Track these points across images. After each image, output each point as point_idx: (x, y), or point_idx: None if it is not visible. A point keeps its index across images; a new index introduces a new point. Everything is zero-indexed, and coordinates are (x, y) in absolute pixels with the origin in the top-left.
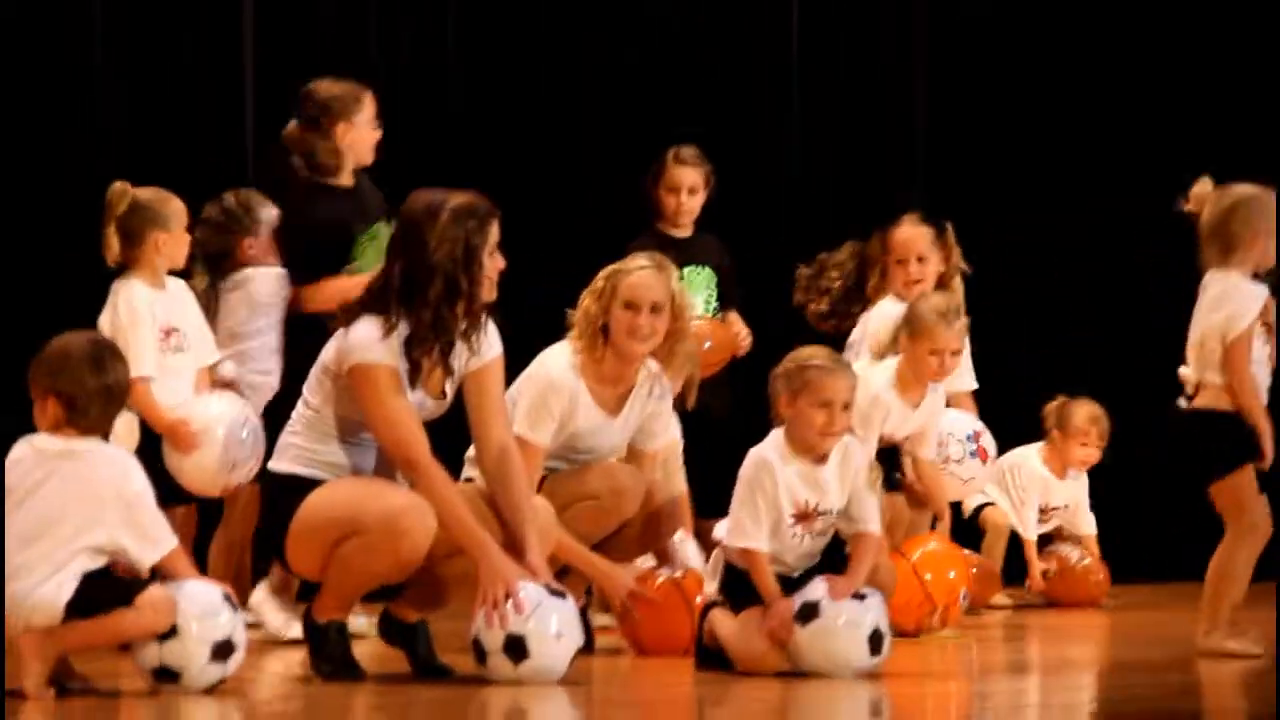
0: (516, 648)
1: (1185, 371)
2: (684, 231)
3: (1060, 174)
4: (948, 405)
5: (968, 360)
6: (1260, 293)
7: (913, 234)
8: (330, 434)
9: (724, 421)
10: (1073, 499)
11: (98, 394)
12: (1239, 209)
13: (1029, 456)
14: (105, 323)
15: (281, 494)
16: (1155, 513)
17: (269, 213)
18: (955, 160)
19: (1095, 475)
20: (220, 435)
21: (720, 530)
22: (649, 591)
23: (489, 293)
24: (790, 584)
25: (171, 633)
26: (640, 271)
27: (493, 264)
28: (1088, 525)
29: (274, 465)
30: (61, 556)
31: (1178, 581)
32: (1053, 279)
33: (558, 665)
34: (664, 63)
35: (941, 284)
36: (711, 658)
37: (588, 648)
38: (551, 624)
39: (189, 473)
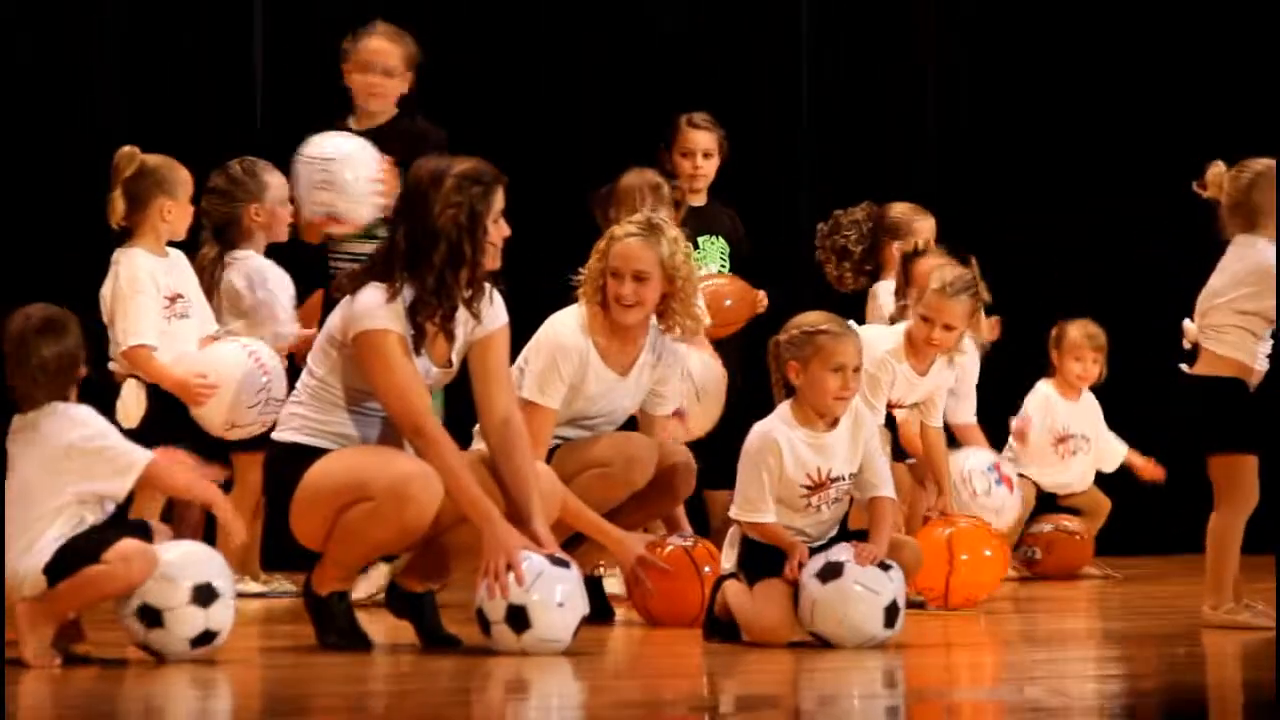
0: (518, 618)
1: (1189, 325)
2: (698, 199)
3: (1060, 174)
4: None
5: (971, 393)
6: None
7: (937, 265)
8: (337, 404)
9: (735, 391)
10: (1091, 429)
11: (25, 376)
12: (1260, 180)
13: (1038, 385)
14: (107, 292)
15: (287, 463)
16: (1161, 486)
17: (276, 180)
18: (959, 159)
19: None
20: (236, 378)
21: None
22: (660, 559)
23: (493, 260)
24: (814, 554)
25: (212, 597)
26: (627, 240)
27: (497, 231)
28: (1114, 457)
29: (278, 435)
30: (40, 525)
31: (1181, 554)
32: (1053, 279)
33: (561, 635)
34: (677, 38)
35: None
36: (721, 628)
37: (608, 619)
38: (554, 594)
39: (201, 416)
